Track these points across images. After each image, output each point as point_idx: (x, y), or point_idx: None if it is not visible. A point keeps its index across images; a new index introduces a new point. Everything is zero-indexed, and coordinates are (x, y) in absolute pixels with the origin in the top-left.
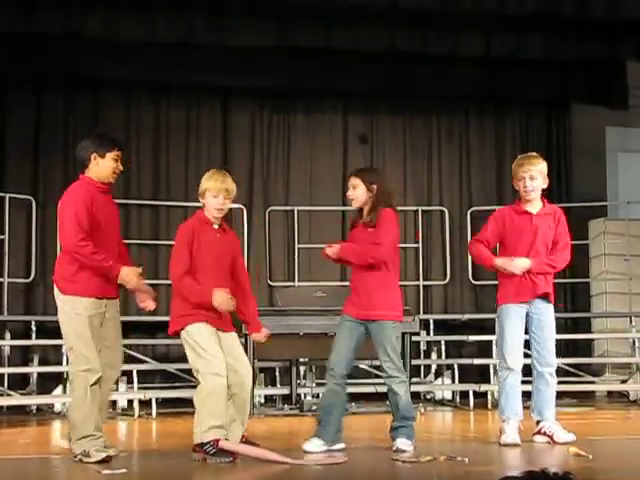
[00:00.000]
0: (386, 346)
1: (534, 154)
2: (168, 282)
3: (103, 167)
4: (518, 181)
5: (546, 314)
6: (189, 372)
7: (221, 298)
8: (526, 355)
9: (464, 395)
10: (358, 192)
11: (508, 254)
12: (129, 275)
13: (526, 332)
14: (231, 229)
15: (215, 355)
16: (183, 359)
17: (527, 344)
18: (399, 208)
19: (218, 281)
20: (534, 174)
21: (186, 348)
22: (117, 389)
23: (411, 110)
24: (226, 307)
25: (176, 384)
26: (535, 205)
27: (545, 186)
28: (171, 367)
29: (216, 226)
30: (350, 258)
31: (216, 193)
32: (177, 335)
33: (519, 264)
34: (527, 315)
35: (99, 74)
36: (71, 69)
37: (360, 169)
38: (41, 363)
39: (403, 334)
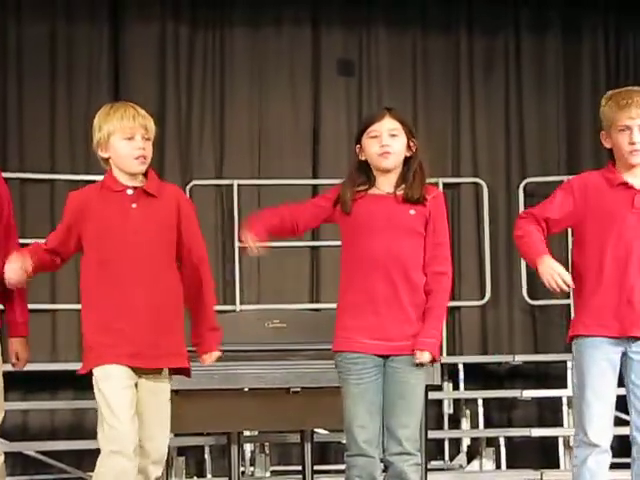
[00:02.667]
0: (413, 401)
1: None
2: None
3: None
4: (617, 132)
5: None
6: (63, 455)
7: (10, 268)
8: (621, 422)
9: None
10: (398, 144)
11: (587, 253)
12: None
13: (621, 384)
14: (170, 186)
15: (121, 420)
16: (56, 434)
17: (623, 403)
18: None
19: (139, 281)
20: None
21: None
22: None
23: (425, 20)
24: (15, 279)
25: (39, 476)
26: None
27: None
28: (32, 449)
29: (130, 191)
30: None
31: (130, 133)
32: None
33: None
34: (623, 357)
35: None
36: None
37: (395, 110)
38: None
39: None
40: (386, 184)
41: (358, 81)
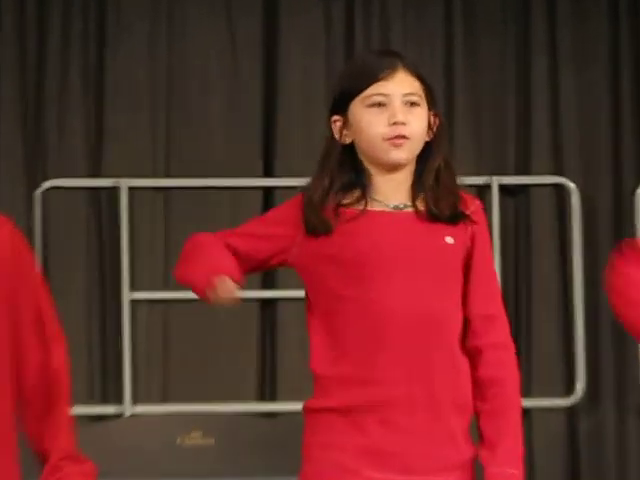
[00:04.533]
0: None
1: None
2: None
3: None
4: None
5: None
6: None
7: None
8: None
9: None
10: (419, 121)
11: None
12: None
13: None
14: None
15: None
16: None
17: None
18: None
19: None
20: None
21: None
22: None
23: None
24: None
25: None
26: None
27: None
28: None
29: None
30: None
31: None
32: None
33: None
34: None
35: None
36: None
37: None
38: None
39: None
40: (393, 191)
41: (345, 7)
